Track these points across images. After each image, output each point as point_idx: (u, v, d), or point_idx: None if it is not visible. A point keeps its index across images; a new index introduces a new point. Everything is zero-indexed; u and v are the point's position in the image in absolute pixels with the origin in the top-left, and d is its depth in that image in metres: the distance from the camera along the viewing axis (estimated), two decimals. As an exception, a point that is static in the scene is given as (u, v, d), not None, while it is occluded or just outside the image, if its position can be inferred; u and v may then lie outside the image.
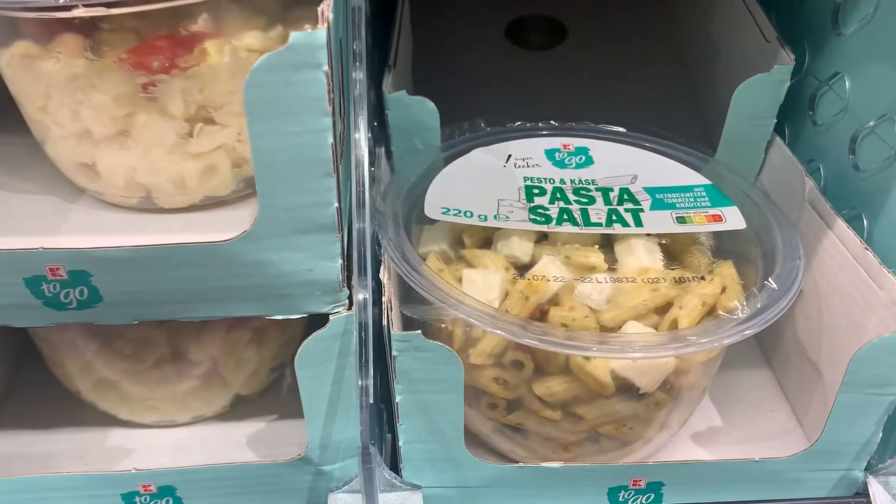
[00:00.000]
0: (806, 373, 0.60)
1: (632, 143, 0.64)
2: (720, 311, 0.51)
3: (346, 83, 0.50)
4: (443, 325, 0.50)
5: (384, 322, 0.48)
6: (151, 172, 0.49)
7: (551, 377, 0.52)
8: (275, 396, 0.64)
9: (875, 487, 0.54)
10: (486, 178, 0.60)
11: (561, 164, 0.61)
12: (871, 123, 0.58)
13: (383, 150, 0.63)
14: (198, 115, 0.48)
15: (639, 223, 0.55)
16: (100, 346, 0.57)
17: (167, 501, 0.54)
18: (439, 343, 0.47)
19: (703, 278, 0.53)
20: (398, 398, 0.50)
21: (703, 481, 0.54)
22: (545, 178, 0.60)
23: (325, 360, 0.49)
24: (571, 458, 0.55)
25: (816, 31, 0.65)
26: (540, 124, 0.65)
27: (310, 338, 0.48)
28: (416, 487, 0.53)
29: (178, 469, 0.53)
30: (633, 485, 0.54)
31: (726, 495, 0.55)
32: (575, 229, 0.55)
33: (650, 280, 0.52)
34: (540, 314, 0.51)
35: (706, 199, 0.58)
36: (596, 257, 0.54)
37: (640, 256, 0.54)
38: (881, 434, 0.53)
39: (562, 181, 0.59)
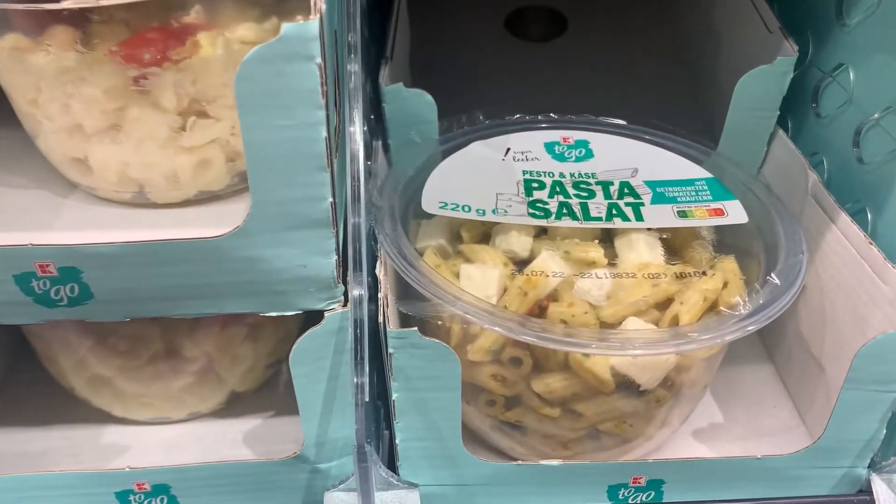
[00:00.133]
0: (809, 368, 0.59)
1: (632, 136, 0.63)
2: (722, 307, 0.50)
3: (341, 75, 0.49)
4: (440, 322, 0.49)
5: (380, 319, 0.48)
6: (144, 167, 0.49)
7: (550, 374, 0.51)
8: (271, 393, 0.63)
9: (879, 485, 0.53)
10: (485, 172, 0.59)
11: (560, 158, 0.60)
12: (876, 115, 0.57)
13: (380, 143, 0.62)
14: (191, 109, 0.47)
15: (639, 217, 0.55)
16: (94, 343, 0.56)
17: (162, 500, 0.53)
18: (436, 340, 0.47)
19: (704, 273, 0.52)
20: (395, 395, 0.49)
21: (705, 479, 0.54)
22: (544, 172, 0.59)
23: (320, 357, 0.48)
24: (571, 456, 0.55)
25: (820, 22, 0.64)
26: (539, 117, 0.64)
27: (304, 335, 0.47)
28: (412, 486, 0.52)
29: (172, 467, 0.52)
30: (634, 482, 0.53)
31: (728, 493, 0.55)
32: (574, 224, 0.54)
33: (651, 275, 0.51)
34: (539, 310, 0.51)
35: (707, 192, 0.57)
36: (596, 252, 0.53)
37: (641, 251, 0.53)
38: (885, 431, 0.52)
39: (561, 175, 0.59)
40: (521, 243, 0.54)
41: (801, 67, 0.65)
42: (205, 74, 0.46)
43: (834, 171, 0.62)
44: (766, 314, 0.48)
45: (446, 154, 0.60)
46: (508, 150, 0.61)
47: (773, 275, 0.50)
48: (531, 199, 0.56)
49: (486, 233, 0.56)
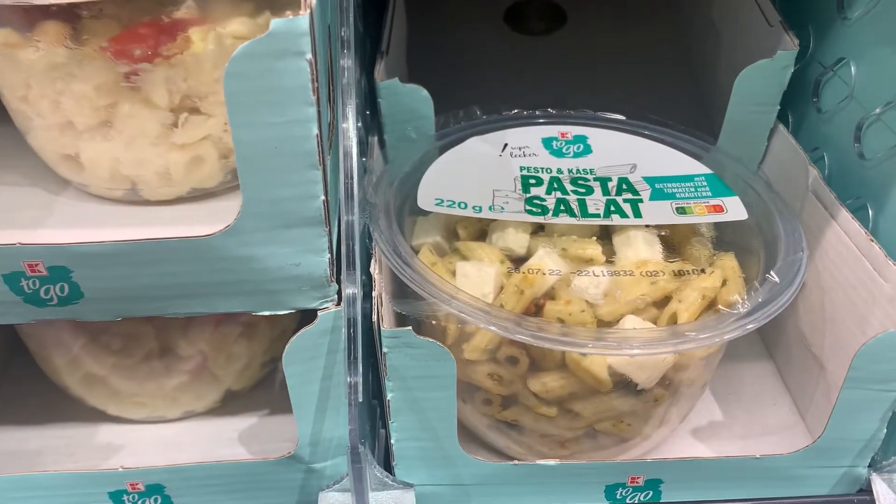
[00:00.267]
0: (808, 366, 0.58)
1: (631, 130, 0.62)
2: (720, 305, 0.50)
3: (334, 70, 0.49)
4: (434, 323, 0.49)
5: (374, 318, 0.47)
6: (136, 164, 0.48)
7: (547, 373, 0.50)
8: (267, 391, 0.63)
9: (879, 485, 0.52)
10: (482, 168, 0.58)
11: (558, 153, 0.60)
12: (878, 111, 0.56)
13: (376, 139, 0.61)
14: (183, 105, 0.47)
15: (638, 214, 0.54)
16: (87, 341, 0.56)
17: (156, 499, 0.53)
18: (431, 339, 0.46)
19: (703, 271, 0.51)
20: (389, 395, 0.48)
21: (703, 478, 0.53)
22: (542, 168, 0.58)
23: (314, 356, 0.48)
24: (568, 455, 0.54)
25: (821, 16, 0.64)
26: (537, 112, 0.64)
27: (297, 334, 0.46)
28: (408, 486, 0.52)
29: (166, 467, 0.52)
30: (631, 482, 0.53)
31: (726, 492, 0.54)
32: (572, 220, 0.54)
33: (649, 273, 0.51)
34: (535, 308, 0.50)
35: (707, 188, 0.57)
36: (593, 249, 0.52)
37: (639, 248, 0.53)
38: (885, 430, 0.52)
39: (559, 171, 0.58)
40: (518, 240, 0.54)
41: (802, 62, 0.65)
42: (196, 70, 0.45)
43: (835, 166, 0.61)
44: (764, 313, 0.47)
45: (443, 150, 0.60)
46: (506, 145, 0.61)
47: (772, 273, 0.50)
48: (528, 195, 0.55)
49: (482, 230, 0.56)
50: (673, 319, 0.50)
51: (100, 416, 0.61)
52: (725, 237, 0.55)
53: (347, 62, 0.47)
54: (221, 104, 0.46)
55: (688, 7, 0.84)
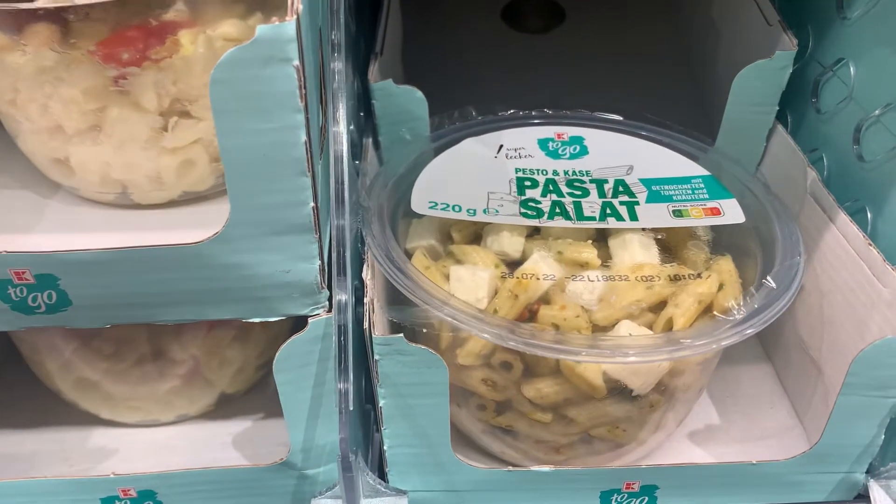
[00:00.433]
0: (806, 369, 0.58)
1: (628, 131, 0.62)
2: (717, 310, 0.49)
3: (326, 73, 0.48)
4: (424, 331, 0.48)
5: (365, 325, 0.47)
6: (126, 168, 0.48)
7: (541, 379, 0.50)
8: (262, 395, 0.63)
9: (876, 491, 0.52)
10: (477, 170, 0.58)
11: (554, 155, 0.59)
12: (877, 112, 0.55)
13: (370, 140, 0.61)
14: (172, 109, 0.46)
15: (634, 217, 0.54)
16: (78, 346, 0.56)
17: (147, 505, 0.53)
18: (422, 346, 0.46)
19: (699, 276, 0.51)
20: (381, 402, 0.48)
21: (699, 484, 0.53)
22: (538, 170, 0.58)
23: (305, 363, 0.47)
24: (563, 460, 0.54)
25: (821, 15, 0.63)
26: (533, 112, 0.63)
27: (288, 341, 0.46)
28: (401, 493, 0.51)
29: (157, 473, 0.51)
30: (627, 488, 0.53)
31: (723, 498, 0.54)
32: (568, 224, 0.53)
33: (644, 278, 0.50)
34: (529, 314, 0.50)
35: (704, 191, 0.56)
36: (589, 253, 0.52)
37: (635, 252, 0.52)
38: (883, 436, 0.51)
39: (555, 172, 0.58)
40: (512, 244, 0.53)
41: (801, 62, 0.64)
42: (186, 74, 0.45)
43: (834, 168, 0.61)
44: (761, 319, 0.47)
45: (438, 151, 0.59)
46: (501, 146, 0.60)
47: (769, 278, 0.49)
48: (523, 197, 0.55)
49: (477, 232, 0.55)
50: (669, 325, 0.49)
51: (93, 420, 0.60)
52: (722, 240, 0.55)
53: (338, 65, 0.46)
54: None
55: (687, 6, 0.83)
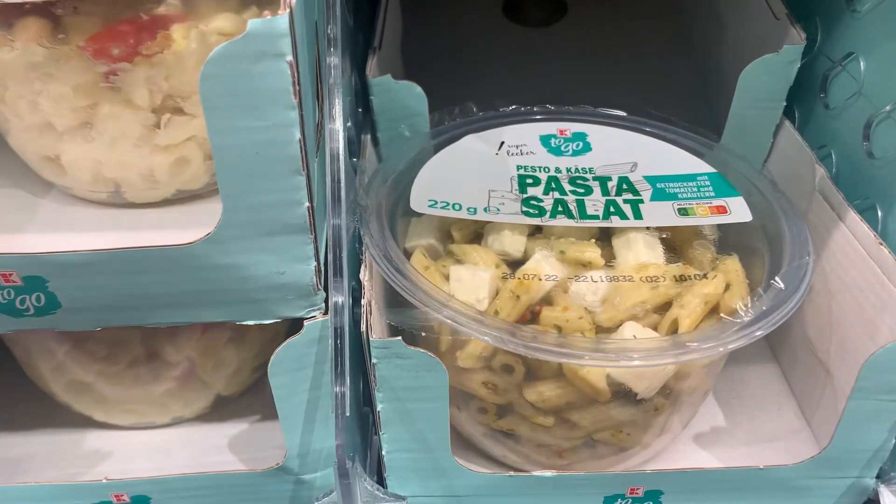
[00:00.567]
0: (814, 370, 0.57)
1: (632, 127, 0.61)
2: (724, 311, 0.48)
3: (323, 68, 0.47)
4: (423, 335, 0.47)
5: (363, 328, 0.45)
6: (118, 166, 0.47)
7: (543, 382, 0.49)
8: (258, 396, 0.61)
9: (887, 497, 0.51)
10: (477, 167, 0.57)
11: (557, 152, 0.58)
12: (888, 108, 0.54)
13: (369, 137, 0.60)
14: (165, 106, 0.45)
15: (638, 216, 0.52)
16: (71, 348, 0.55)
17: (141, 511, 0.52)
18: (421, 350, 0.45)
19: (705, 276, 0.49)
20: (379, 406, 0.47)
21: (705, 489, 0.52)
22: (540, 167, 0.57)
23: (301, 367, 0.46)
24: (566, 465, 0.53)
25: (829, 8, 0.62)
26: (535, 108, 0.62)
27: (283, 345, 0.45)
28: (400, 498, 0.50)
29: (151, 479, 0.50)
30: (631, 493, 0.51)
31: (729, 503, 0.52)
32: (570, 222, 0.52)
33: (649, 278, 0.49)
34: (531, 315, 0.48)
35: (710, 188, 0.55)
36: (592, 252, 0.51)
37: (640, 251, 0.51)
38: (894, 441, 0.50)
39: (557, 170, 0.56)
40: (514, 243, 0.52)
41: (809, 56, 0.63)
42: (179, 69, 0.44)
43: (842, 165, 0.60)
44: (769, 321, 0.46)
45: (438, 148, 0.58)
46: (502, 143, 0.59)
47: (777, 278, 0.48)
48: (525, 196, 0.54)
49: (478, 231, 0.54)
50: (674, 326, 0.48)
51: (87, 423, 0.59)
52: (729, 239, 0.53)
53: (334, 60, 0.45)
54: (205, 104, 0.45)
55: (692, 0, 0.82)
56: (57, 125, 0.45)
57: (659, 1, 0.86)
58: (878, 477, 0.52)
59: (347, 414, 0.43)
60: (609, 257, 0.51)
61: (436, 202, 0.53)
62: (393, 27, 0.65)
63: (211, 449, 0.58)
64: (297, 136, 0.39)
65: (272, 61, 0.36)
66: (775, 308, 0.46)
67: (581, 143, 0.59)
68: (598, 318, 0.48)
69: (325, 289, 0.45)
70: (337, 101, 0.45)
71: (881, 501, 0.51)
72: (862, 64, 0.57)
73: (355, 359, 0.48)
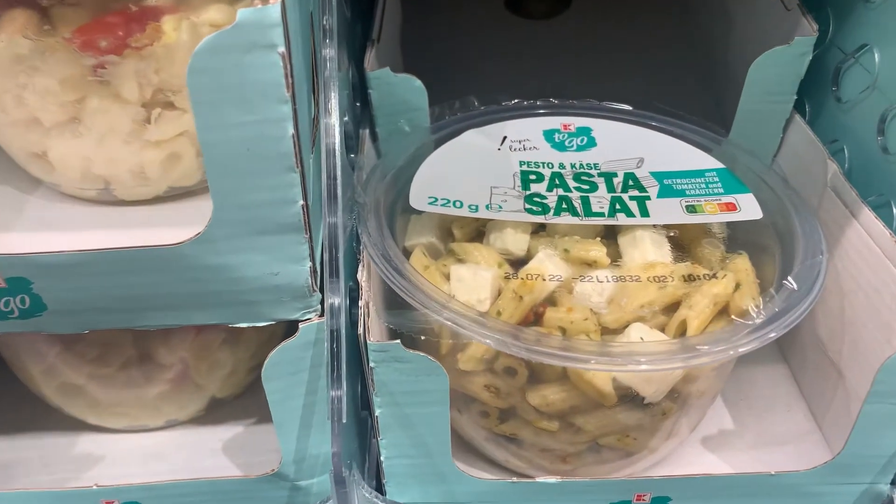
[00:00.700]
0: (825, 372, 0.55)
1: (638, 122, 0.59)
2: (734, 312, 0.47)
3: (318, 61, 0.45)
4: (423, 338, 0.46)
5: (360, 330, 0.44)
6: (108, 162, 0.46)
7: (547, 385, 0.47)
8: (254, 398, 0.60)
9: (902, 503, 0.49)
10: (479, 163, 0.55)
11: (561, 147, 0.57)
12: (903, 101, 0.53)
13: (367, 132, 0.58)
14: (155, 100, 0.44)
15: (645, 213, 0.51)
16: (61, 349, 0.53)
17: (132, 518, 0.50)
18: (421, 353, 0.43)
19: (714, 275, 0.48)
20: (377, 411, 0.45)
21: (714, 495, 0.50)
22: (543, 163, 0.55)
23: (296, 370, 0.45)
24: (570, 470, 0.51)
25: (842, -2, 0.60)
26: (538, 102, 0.61)
27: (277, 348, 0.44)
28: (398, 506, 0.49)
29: (143, 485, 0.49)
30: (637, 499, 0.50)
31: (739, 510, 0.51)
32: (575, 220, 0.51)
33: (656, 278, 0.47)
34: (535, 316, 0.47)
35: (719, 185, 0.54)
36: (597, 251, 0.49)
37: (646, 250, 0.50)
38: (910, 446, 0.48)
39: (561, 165, 0.55)
40: (517, 241, 0.51)
41: (821, 48, 0.61)
42: (169, 62, 0.43)
43: (856, 161, 0.58)
44: (781, 323, 0.44)
45: (438, 143, 0.57)
46: (505, 138, 0.58)
47: (789, 278, 0.47)
48: (528, 192, 0.53)
49: (479, 229, 0.53)
50: (682, 327, 0.47)
51: (79, 425, 0.58)
52: (738, 236, 0.52)
53: (330, 53, 0.43)
54: (197, 98, 0.43)
55: (699, -11, 0.80)
56: (44, 120, 0.44)
57: (664, -8, 0.84)
58: (892, 483, 0.50)
59: (344, 420, 0.42)
60: (615, 256, 0.50)
61: (436, 199, 0.51)
62: (392, 18, 0.64)
63: (206, 452, 0.57)
64: (291, 131, 0.37)
65: (263, 53, 0.35)
66: (788, 309, 0.45)
67: (585, 138, 0.58)
68: (603, 319, 0.47)
69: (321, 290, 0.44)
70: (333, 94, 0.43)
71: (896, 508, 0.50)
72: (876, 56, 0.56)
73: (353, 361, 0.47)
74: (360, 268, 0.48)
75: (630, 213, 0.51)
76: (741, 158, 0.56)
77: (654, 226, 0.51)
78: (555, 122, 0.59)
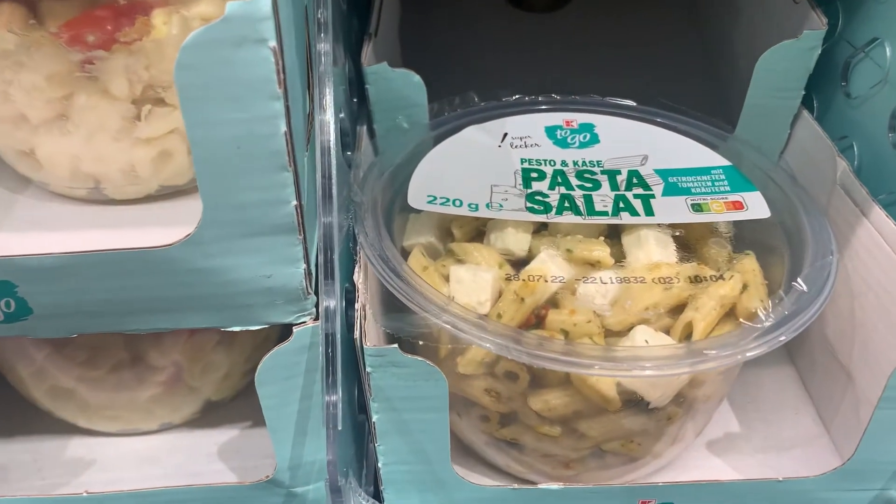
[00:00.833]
0: (834, 375, 0.54)
1: (642, 118, 0.58)
2: (741, 314, 0.46)
3: (313, 55, 0.44)
4: (421, 343, 0.45)
5: (356, 334, 0.43)
6: (97, 160, 0.45)
7: (549, 390, 0.46)
8: (249, 401, 0.58)
9: (913, 510, 0.48)
10: (479, 161, 0.54)
11: (563, 144, 0.56)
12: (916, 97, 0.51)
13: (365, 128, 0.57)
14: (145, 96, 0.43)
15: (649, 212, 0.50)
16: (50, 352, 0.52)
17: (123, 526, 0.49)
18: (419, 358, 0.42)
19: (721, 276, 0.47)
20: (374, 417, 0.44)
21: (720, 501, 0.49)
22: (545, 160, 0.54)
23: (290, 375, 0.44)
24: (573, 475, 0.50)
25: (852, -9, 0.59)
26: (540, 98, 0.60)
27: (271, 352, 0.42)
28: (396, 513, 0.48)
29: (134, 491, 0.48)
30: (642, 506, 0.49)
31: (746, 517, 0.50)
32: (577, 219, 0.49)
33: (662, 279, 0.46)
34: (536, 319, 0.46)
35: (725, 182, 0.52)
36: (601, 251, 0.48)
37: (651, 250, 0.49)
38: (922, 451, 0.47)
39: (563, 163, 0.54)
40: (518, 241, 0.50)
41: (830, 42, 0.60)
42: (159, 58, 0.41)
43: (866, 158, 0.57)
44: (791, 326, 0.43)
45: (437, 140, 0.56)
46: (505, 135, 0.57)
47: (799, 280, 0.45)
48: (530, 191, 0.51)
49: (480, 229, 0.52)
50: (688, 329, 0.46)
51: (71, 429, 0.57)
52: (745, 236, 0.51)
53: (325, 47, 0.42)
54: (189, 95, 0.42)
55: (704, -18, 0.79)
56: (31, 117, 0.43)
57: (669, -16, 0.83)
58: (904, 489, 0.49)
59: (339, 427, 0.40)
60: (619, 256, 0.49)
61: (435, 198, 0.50)
62: (390, 12, 0.62)
63: (200, 457, 0.55)
64: (283, 128, 0.36)
65: (254, 47, 0.33)
66: (798, 312, 0.44)
67: (588, 135, 0.57)
68: (607, 321, 0.45)
69: (316, 293, 0.43)
70: (328, 90, 0.42)
71: (907, 515, 0.49)
72: (888, 50, 0.54)
73: (349, 365, 0.45)
74: (356, 269, 0.47)
75: (634, 212, 0.50)
76: (748, 155, 0.55)
77: (659, 225, 0.50)
78: (557, 118, 0.58)
